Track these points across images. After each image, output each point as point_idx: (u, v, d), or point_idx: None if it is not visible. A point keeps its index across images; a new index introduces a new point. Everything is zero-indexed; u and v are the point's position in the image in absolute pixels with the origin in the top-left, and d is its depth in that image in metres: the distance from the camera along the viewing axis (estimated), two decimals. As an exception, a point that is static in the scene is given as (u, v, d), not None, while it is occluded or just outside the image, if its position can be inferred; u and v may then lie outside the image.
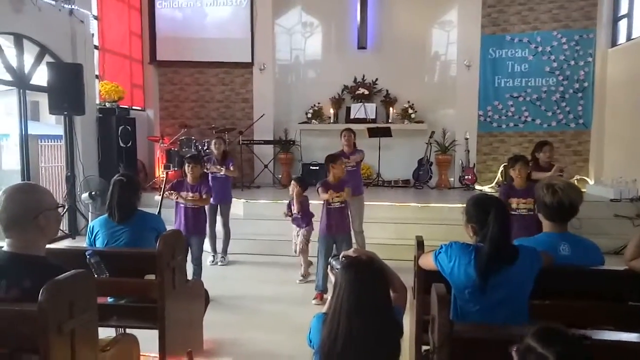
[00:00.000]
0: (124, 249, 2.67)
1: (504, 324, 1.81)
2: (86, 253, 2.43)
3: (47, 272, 1.65)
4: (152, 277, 2.52)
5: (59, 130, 7.17)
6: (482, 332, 1.51)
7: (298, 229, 4.96)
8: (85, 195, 6.12)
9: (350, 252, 1.87)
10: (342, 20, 9.25)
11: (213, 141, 5.81)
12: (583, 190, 7.77)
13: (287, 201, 5.06)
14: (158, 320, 2.44)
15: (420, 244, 2.38)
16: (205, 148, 8.06)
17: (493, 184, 8.74)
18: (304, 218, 4.91)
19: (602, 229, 6.25)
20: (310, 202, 5.00)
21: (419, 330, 2.27)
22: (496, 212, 1.98)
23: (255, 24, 9.07)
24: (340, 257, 1.88)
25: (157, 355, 2.57)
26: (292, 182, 4.92)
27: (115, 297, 2.69)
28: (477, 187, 8.52)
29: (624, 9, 7.91)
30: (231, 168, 5.54)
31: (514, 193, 4.20)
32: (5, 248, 1.73)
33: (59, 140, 7.12)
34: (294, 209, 4.86)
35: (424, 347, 2.29)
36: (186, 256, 2.96)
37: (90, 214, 6.24)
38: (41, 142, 8.28)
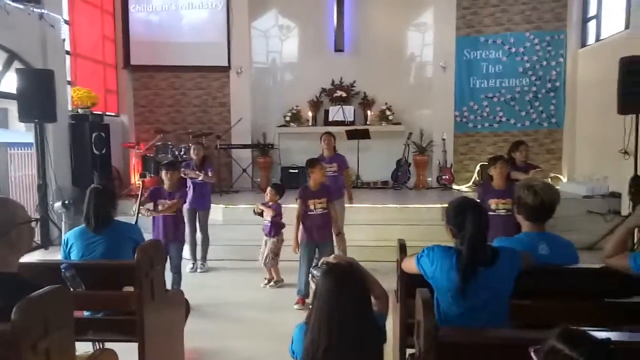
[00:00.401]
0: (100, 261, 2.59)
1: (486, 326, 1.82)
2: (61, 267, 2.36)
3: (19, 289, 1.58)
4: (130, 288, 2.46)
5: (29, 138, 6.96)
6: (467, 336, 1.51)
7: (266, 237, 4.86)
8: (58, 204, 5.95)
9: (330, 259, 1.85)
10: (318, 23, 9.26)
11: (192, 147, 5.75)
12: (557, 187, 8.00)
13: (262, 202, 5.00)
14: (137, 333, 2.38)
15: (402, 247, 2.38)
16: (182, 153, 7.95)
17: (470, 184, 8.87)
18: (273, 226, 4.82)
19: (576, 225, 6.39)
20: (284, 206, 4.94)
21: (403, 333, 2.27)
22: (473, 214, 1.99)
23: (231, 27, 8.99)
24: (320, 263, 1.87)
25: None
26: (269, 188, 4.90)
27: (92, 311, 2.61)
28: (455, 186, 8.63)
29: (592, 11, 8.13)
30: (209, 174, 5.47)
31: (493, 193, 4.23)
32: None
33: (29, 148, 6.92)
34: (265, 215, 4.82)
35: (409, 351, 2.29)
36: (164, 265, 2.89)
37: (63, 223, 6.06)
38: (10, 150, 8.02)
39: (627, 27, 6.90)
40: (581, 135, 8.28)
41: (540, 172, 4.73)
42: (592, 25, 8.17)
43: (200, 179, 5.36)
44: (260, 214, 4.86)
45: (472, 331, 1.59)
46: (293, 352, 1.70)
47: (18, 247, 1.70)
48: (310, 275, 1.92)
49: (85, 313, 2.63)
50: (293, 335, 1.73)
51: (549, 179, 6.92)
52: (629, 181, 6.01)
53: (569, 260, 2.42)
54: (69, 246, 2.77)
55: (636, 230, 4.80)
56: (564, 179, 8.50)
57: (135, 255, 2.40)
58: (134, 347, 2.51)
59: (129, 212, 5.57)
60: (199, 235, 5.55)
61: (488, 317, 1.88)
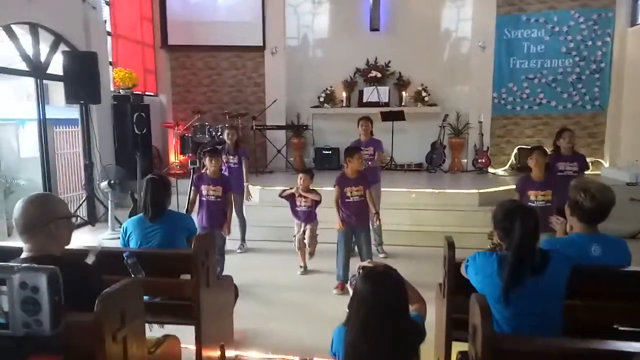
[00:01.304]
0: (159, 250, 2.74)
1: (537, 331, 1.85)
2: (124, 254, 2.50)
3: (64, 267, 1.71)
4: (187, 276, 2.60)
5: (71, 114, 7.21)
6: (524, 344, 1.56)
7: (302, 223, 4.83)
8: (104, 183, 6.20)
9: (366, 263, 1.89)
10: (354, 2, 9.11)
11: (226, 131, 5.78)
12: (598, 172, 7.77)
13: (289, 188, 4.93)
14: (194, 317, 2.53)
15: (451, 245, 2.41)
16: (219, 134, 8.08)
17: (507, 167, 8.73)
18: (313, 212, 4.82)
19: (618, 213, 6.13)
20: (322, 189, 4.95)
21: (449, 327, 2.34)
22: (522, 221, 1.96)
23: (266, 6, 8.96)
24: (357, 268, 1.90)
25: (194, 348, 2.66)
26: (302, 174, 4.80)
27: (150, 296, 2.77)
28: (491, 170, 8.51)
29: (645, -12, 7.73)
30: (243, 164, 5.60)
31: (531, 185, 4.19)
32: (22, 255, 1.83)
33: (72, 126, 7.16)
34: (302, 202, 4.77)
35: (454, 344, 2.35)
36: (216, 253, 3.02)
37: (109, 202, 6.33)
38: (56, 128, 8.32)
39: (683, 5, 6.54)
40: (627, 119, 7.99)
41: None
42: (643, 2, 7.78)
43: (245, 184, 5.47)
44: (287, 197, 4.84)
45: (530, 339, 1.63)
46: (334, 354, 1.76)
47: (57, 239, 1.85)
48: (349, 282, 1.96)
49: (144, 297, 2.79)
50: (332, 337, 1.79)
51: (590, 164, 6.64)
52: (677, 170, 5.81)
53: (621, 259, 2.41)
54: (127, 234, 2.92)
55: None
56: (606, 164, 8.27)
57: (193, 245, 2.52)
58: (186, 329, 2.67)
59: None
60: (235, 217, 5.67)
61: (538, 322, 1.89)
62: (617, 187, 6.74)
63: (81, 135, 6.93)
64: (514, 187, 6.85)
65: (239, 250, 5.64)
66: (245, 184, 5.62)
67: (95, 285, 1.75)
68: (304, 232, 4.83)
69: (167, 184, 3.04)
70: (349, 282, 1.98)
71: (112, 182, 6.18)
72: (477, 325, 1.58)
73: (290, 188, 4.87)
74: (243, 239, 5.73)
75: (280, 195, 4.91)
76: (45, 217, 1.80)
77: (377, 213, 4.49)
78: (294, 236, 4.92)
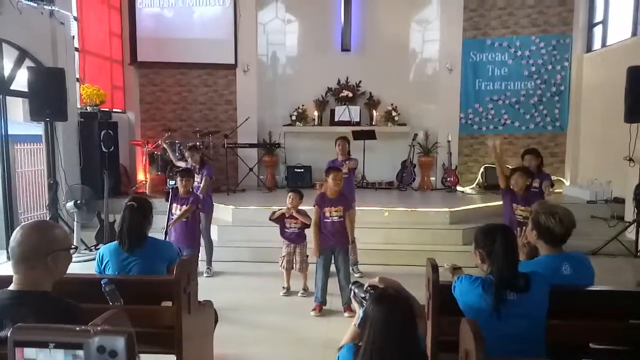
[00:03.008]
0: (139, 276, 2.65)
1: (524, 351, 1.90)
2: (102, 281, 2.41)
3: (49, 307, 1.71)
4: (168, 303, 2.52)
5: (31, 130, 6.95)
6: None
7: (292, 244, 4.78)
8: (70, 204, 5.98)
9: (376, 282, 1.91)
10: (325, 22, 9.26)
11: (187, 152, 5.65)
12: (560, 191, 8.08)
13: (278, 209, 4.91)
14: (176, 345, 2.45)
15: (434, 267, 2.44)
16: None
17: (474, 185, 8.97)
18: (302, 233, 4.79)
19: (579, 230, 6.43)
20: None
21: (434, 350, 2.35)
22: (502, 238, 2.06)
23: (238, 24, 8.99)
24: (366, 287, 1.91)
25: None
26: (291, 193, 4.76)
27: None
28: (459, 188, 8.73)
29: (599, 16, 8.21)
30: (203, 181, 5.41)
31: (514, 199, 4.36)
32: (11, 287, 1.77)
33: (34, 143, 6.90)
34: (292, 224, 4.75)
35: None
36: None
37: (75, 223, 6.10)
38: (16, 145, 7.98)
39: (634, 34, 6.98)
40: (585, 140, 8.39)
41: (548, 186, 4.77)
42: (598, 30, 8.25)
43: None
44: (276, 220, 4.81)
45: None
46: None
47: (53, 272, 1.78)
48: (352, 293, 1.97)
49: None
50: (339, 354, 1.78)
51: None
52: (634, 189, 6.13)
53: (589, 276, 2.53)
54: (104, 262, 2.80)
55: None
56: (567, 183, 8.62)
57: (175, 271, 2.45)
58: (167, 357, 2.59)
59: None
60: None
61: (524, 343, 1.95)
62: (579, 205, 7.10)
63: (45, 152, 6.67)
64: (482, 205, 7.11)
65: (205, 275, 5.38)
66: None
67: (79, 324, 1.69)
68: (292, 253, 4.79)
69: (147, 210, 2.91)
70: (352, 293, 1.97)
71: (78, 202, 5.97)
72: (470, 350, 1.60)
73: (280, 209, 4.81)
74: (209, 262, 5.50)
75: (270, 219, 4.82)
76: (43, 248, 1.73)
77: (354, 241, 4.52)
78: (282, 257, 4.85)
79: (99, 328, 1.19)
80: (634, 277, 5.64)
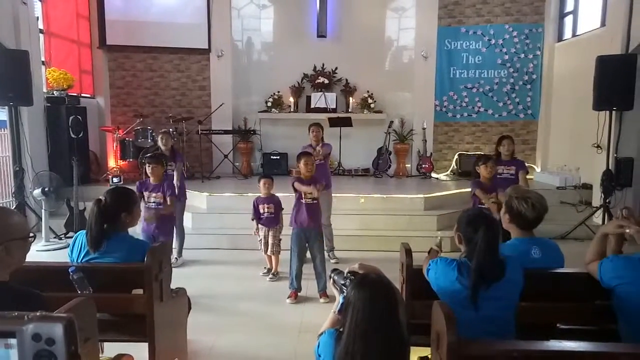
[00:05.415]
0: (109, 265, 2.54)
1: (496, 335, 1.93)
2: (69, 269, 2.33)
3: (8, 298, 1.63)
4: (139, 291, 2.47)
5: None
6: (487, 349, 1.61)
7: (266, 228, 4.87)
8: (37, 191, 5.78)
9: (356, 268, 1.88)
10: (301, 8, 9.14)
11: (159, 136, 5.46)
12: (531, 177, 8.27)
13: (253, 201, 4.93)
14: (148, 334, 2.40)
15: (408, 252, 2.46)
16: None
17: (448, 172, 9.09)
18: (277, 216, 4.88)
19: (549, 215, 6.60)
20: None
21: (409, 333, 2.37)
22: (485, 230, 2.05)
23: (211, 8, 8.78)
24: (346, 273, 1.89)
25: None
26: (263, 180, 4.84)
27: (99, 312, 2.59)
28: (434, 175, 8.83)
29: (570, 6, 8.34)
30: (174, 173, 5.22)
31: (483, 188, 4.43)
32: None
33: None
34: (266, 209, 4.84)
35: (413, 349, 2.40)
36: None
37: (43, 211, 5.91)
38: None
39: (603, 24, 7.12)
40: (555, 127, 8.58)
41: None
42: (568, 20, 8.40)
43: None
44: (259, 219, 4.93)
45: (492, 344, 1.69)
46: (319, 356, 1.73)
47: (6, 263, 1.69)
48: (331, 280, 1.94)
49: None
50: (320, 339, 1.74)
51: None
52: (602, 175, 6.31)
53: (558, 261, 2.60)
54: (80, 249, 2.64)
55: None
56: (538, 169, 8.82)
57: (145, 258, 2.40)
58: (139, 345, 2.54)
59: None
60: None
61: (495, 324, 1.98)
62: (549, 190, 7.28)
63: (10, 138, 6.42)
64: (457, 191, 7.20)
65: (174, 265, 5.28)
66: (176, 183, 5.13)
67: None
68: (266, 236, 4.87)
69: (122, 203, 2.64)
70: (331, 281, 1.93)
71: (46, 189, 5.78)
72: (442, 332, 1.62)
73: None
74: (180, 251, 5.38)
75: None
76: None
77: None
78: (260, 240, 4.95)
79: (35, 314, 1.11)
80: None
